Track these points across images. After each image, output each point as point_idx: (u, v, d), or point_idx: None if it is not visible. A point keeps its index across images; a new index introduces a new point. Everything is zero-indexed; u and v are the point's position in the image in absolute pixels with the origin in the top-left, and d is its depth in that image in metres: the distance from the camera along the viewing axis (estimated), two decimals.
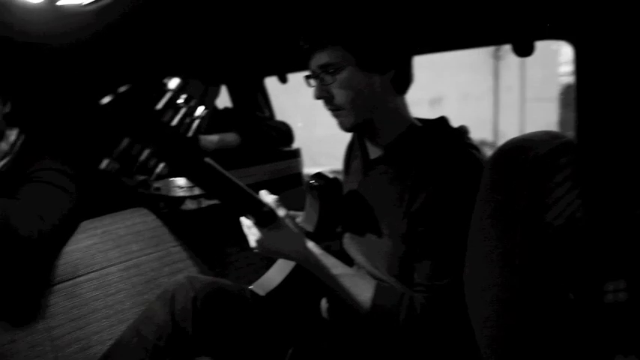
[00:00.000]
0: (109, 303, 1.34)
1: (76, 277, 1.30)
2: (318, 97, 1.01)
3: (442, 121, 1.04)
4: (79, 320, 1.28)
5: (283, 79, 2.02)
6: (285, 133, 1.93)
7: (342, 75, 0.96)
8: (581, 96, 1.03)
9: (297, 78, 2.15)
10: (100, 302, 1.32)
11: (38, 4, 0.97)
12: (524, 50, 1.06)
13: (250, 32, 1.35)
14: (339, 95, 0.98)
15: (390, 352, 0.99)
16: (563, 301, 0.83)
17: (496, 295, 0.75)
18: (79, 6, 0.98)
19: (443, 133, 1.01)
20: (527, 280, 0.73)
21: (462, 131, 1.01)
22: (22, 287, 1.21)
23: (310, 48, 0.99)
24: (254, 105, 2.11)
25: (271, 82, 2.22)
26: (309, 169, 2.04)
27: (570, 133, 1.08)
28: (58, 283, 1.26)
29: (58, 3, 0.96)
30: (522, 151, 0.76)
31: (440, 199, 0.90)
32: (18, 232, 1.10)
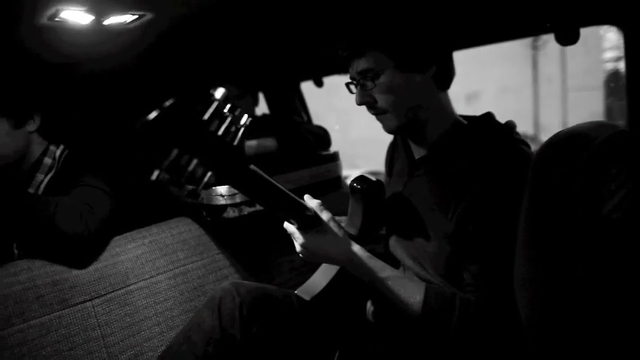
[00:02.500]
0: (159, 310, 1.37)
1: (127, 286, 1.34)
2: (360, 103, 1.01)
3: (488, 117, 1.01)
4: (132, 328, 1.32)
5: (319, 83, 2.02)
6: (322, 137, 1.94)
7: (382, 79, 0.96)
8: (633, 83, 0.98)
9: (331, 81, 2.16)
10: (150, 310, 1.36)
11: (85, 25, 1.01)
12: (568, 38, 1.02)
13: (286, 38, 1.36)
14: (382, 100, 0.98)
15: (438, 354, 0.97)
16: (630, 300, 0.78)
17: (551, 293, 0.73)
18: (123, 24, 1.01)
19: (490, 130, 0.98)
20: (588, 277, 0.70)
21: (510, 126, 0.98)
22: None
23: (348, 55, 0.99)
24: (291, 109, 2.12)
25: (305, 86, 2.24)
26: (346, 171, 2.04)
27: (621, 123, 1.03)
28: (111, 292, 1.31)
29: (105, 23, 0.99)
30: (574, 142, 0.73)
31: (490, 197, 0.88)
32: (69, 227, 1.18)
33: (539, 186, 0.74)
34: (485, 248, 0.89)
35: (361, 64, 0.97)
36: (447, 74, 1.00)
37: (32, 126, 1.35)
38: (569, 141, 0.73)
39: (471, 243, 0.90)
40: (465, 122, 1.03)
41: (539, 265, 0.73)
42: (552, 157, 0.74)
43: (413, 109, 0.98)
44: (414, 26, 0.97)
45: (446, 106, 1.03)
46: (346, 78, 1.05)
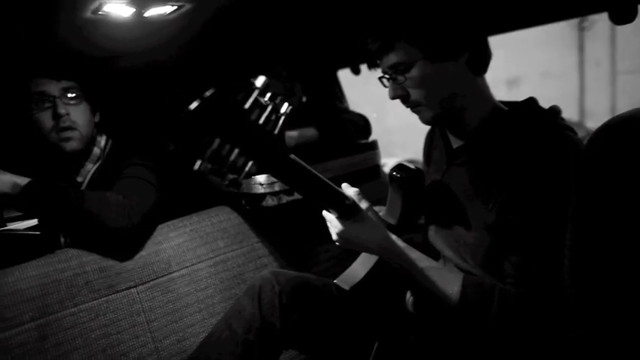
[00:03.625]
0: (200, 297, 1.41)
1: (169, 274, 1.38)
2: (393, 98, 0.98)
3: (531, 102, 0.97)
4: (174, 314, 1.36)
5: (356, 71, 2.00)
6: (362, 126, 1.92)
7: (413, 72, 0.93)
8: None
9: (366, 69, 2.13)
10: (192, 297, 1.39)
11: (126, 18, 1.03)
12: (624, 16, 0.95)
13: (322, 26, 1.35)
14: (414, 93, 0.96)
15: (478, 346, 0.95)
16: None
17: (603, 282, 0.69)
18: (163, 15, 1.03)
19: (533, 115, 0.94)
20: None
21: (555, 111, 0.94)
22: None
23: (378, 49, 0.96)
24: (332, 96, 2.11)
25: (341, 74, 2.21)
26: (383, 160, 2.02)
27: None
28: (155, 279, 1.35)
29: (145, 15, 1.01)
30: (631, 126, 0.69)
31: (534, 185, 0.84)
32: (112, 221, 1.21)
33: (591, 171, 0.71)
34: (527, 239, 0.86)
35: (391, 59, 0.94)
36: (481, 59, 0.96)
37: (97, 117, 1.44)
38: (626, 125, 0.69)
39: (513, 233, 0.87)
40: (506, 108, 0.99)
41: (590, 253, 0.70)
42: (607, 141, 0.70)
43: (447, 98, 0.95)
44: (439, 15, 0.92)
45: (484, 92, 0.99)
46: None
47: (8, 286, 1.14)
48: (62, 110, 1.29)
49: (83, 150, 1.38)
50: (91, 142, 1.41)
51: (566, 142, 0.86)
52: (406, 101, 0.98)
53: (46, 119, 1.30)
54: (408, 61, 0.93)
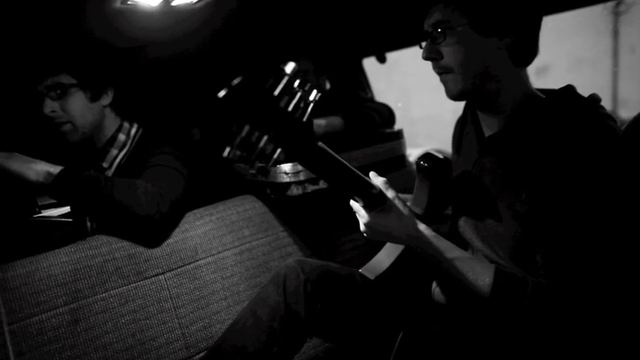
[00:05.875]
0: (226, 285, 1.43)
1: (196, 261, 1.40)
2: (426, 58, 0.97)
3: (569, 90, 0.94)
4: (201, 301, 1.38)
5: (382, 59, 1.97)
6: (386, 115, 1.89)
7: (453, 34, 0.92)
8: None
9: (391, 58, 2.10)
10: (217, 284, 1.41)
11: (155, 7, 1.03)
12: None
13: (348, 12, 1.33)
14: (448, 55, 0.94)
15: (505, 337, 0.94)
16: None
17: None
18: (190, 4, 1.03)
19: (572, 104, 0.91)
20: None
21: (595, 99, 0.90)
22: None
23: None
24: (356, 85, 2.08)
25: (366, 63, 2.19)
26: (408, 150, 1.99)
27: None
28: (182, 266, 1.37)
29: (173, 4, 1.01)
30: None
31: (571, 175, 0.82)
32: (141, 209, 1.22)
33: (629, 161, 0.68)
34: (560, 230, 0.84)
35: (436, 16, 0.93)
36: (525, 49, 0.93)
37: (106, 100, 1.42)
38: None
39: (546, 224, 0.85)
40: (543, 96, 0.96)
41: (628, 244, 0.68)
42: None
43: (481, 75, 0.93)
44: None
45: (521, 80, 0.96)
46: (408, 52, 1.01)
47: (43, 271, 1.18)
48: (47, 109, 1.32)
49: (92, 137, 1.40)
50: (117, 129, 1.43)
51: (607, 131, 0.83)
52: (437, 65, 0.96)
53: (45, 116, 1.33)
54: (451, 22, 0.91)
